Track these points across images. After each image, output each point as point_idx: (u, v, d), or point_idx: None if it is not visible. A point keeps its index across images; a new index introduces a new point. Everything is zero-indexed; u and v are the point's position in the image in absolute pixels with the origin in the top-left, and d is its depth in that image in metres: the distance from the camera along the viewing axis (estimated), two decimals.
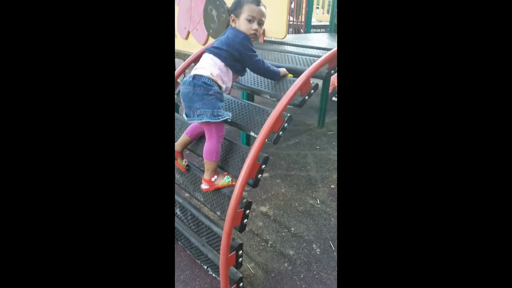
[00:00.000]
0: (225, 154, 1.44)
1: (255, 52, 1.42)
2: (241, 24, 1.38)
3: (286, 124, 1.35)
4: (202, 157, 1.41)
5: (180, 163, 1.55)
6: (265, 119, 1.39)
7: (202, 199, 1.47)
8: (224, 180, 1.40)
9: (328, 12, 4.80)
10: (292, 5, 4.21)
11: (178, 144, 1.56)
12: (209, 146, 1.36)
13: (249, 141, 2.62)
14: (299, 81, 1.35)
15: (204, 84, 1.30)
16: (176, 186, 1.63)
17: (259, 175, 1.29)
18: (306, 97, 1.42)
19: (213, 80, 1.33)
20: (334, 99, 4.24)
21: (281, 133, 1.35)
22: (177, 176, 1.61)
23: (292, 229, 1.93)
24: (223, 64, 1.38)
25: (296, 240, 1.84)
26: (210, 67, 1.35)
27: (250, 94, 2.44)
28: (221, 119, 1.33)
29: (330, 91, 3.87)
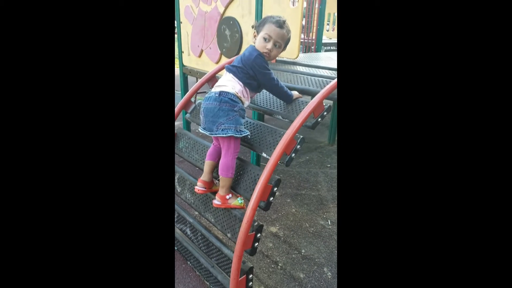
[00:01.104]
0: (237, 174, 1.43)
1: (269, 70, 1.43)
2: (258, 40, 1.42)
3: (298, 146, 1.35)
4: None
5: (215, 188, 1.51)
6: (277, 140, 1.39)
7: (212, 220, 1.46)
8: (237, 201, 1.39)
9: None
10: (303, 22, 4.27)
11: (206, 173, 1.51)
12: (225, 162, 1.37)
13: (259, 160, 2.61)
14: (312, 103, 1.35)
15: (230, 101, 1.35)
16: (186, 205, 1.62)
17: (271, 198, 1.28)
18: (319, 119, 1.41)
19: (238, 97, 1.38)
20: None
21: (293, 155, 1.34)
22: (188, 195, 1.61)
23: (303, 251, 1.89)
24: (241, 82, 1.41)
25: (307, 262, 1.80)
26: (233, 84, 1.40)
27: (261, 114, 2.46)
28: (243, 135, 1.36)
29: None
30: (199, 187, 1.48)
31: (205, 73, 2.16)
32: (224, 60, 2.48)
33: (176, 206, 1.71)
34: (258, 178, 1.26)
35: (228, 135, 1.33)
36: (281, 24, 1.39)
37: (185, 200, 1.63)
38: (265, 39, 1.40)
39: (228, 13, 2.45)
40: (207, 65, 2.79)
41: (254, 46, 1.43)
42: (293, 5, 2.02)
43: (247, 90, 1.44)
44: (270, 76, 1.43)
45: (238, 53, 2.44)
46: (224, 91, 1.36)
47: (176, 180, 1.69)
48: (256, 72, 1.40)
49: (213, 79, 1.93)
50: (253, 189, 1.25)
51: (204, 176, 1.50)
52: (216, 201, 1.41)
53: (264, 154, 1.41)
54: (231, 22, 2.41)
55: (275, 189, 1.29)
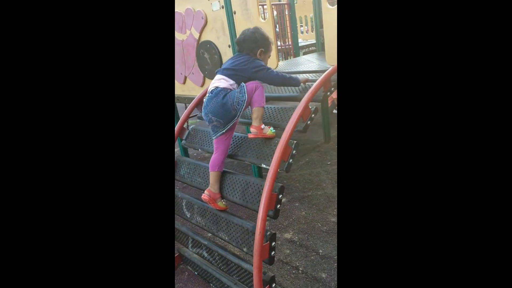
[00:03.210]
0: (242, 190, 1.48)
1: (264, 66, 1.56)
2: (266, 58, 1.61)
3: (294, 151, 1.40)
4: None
5: (220, 205, 1.57)
6: (273, 150, 1.44)
7: (226, 238, 1.49)
8: (270, 130, 1.51)
9: (312, 30, 4.96)
10: (277, 29, 4.37)
11: (213, 185, 1.57)
12: (257, 98, 1.49)
13: (261, 172, 2.65)
14: (299, 108, 1.41)
15: (222, 89, 1.49)
16: (199, 229, 1.65)
17: (278, 206, 1.32)
18: (308, 122, 1.47)
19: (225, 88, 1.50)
20: (335, 111, 4.30)
21: (291, 160, 1.39)
22: (198, 219, 1.65)
23: (320, 251, 1.92)
24: (234, 82, 1.53)
25: (326, 261, 1.82)
26: (221, 83, 1.51)
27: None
28: (244, 85, 1.50)
29: (329, 105, 3.94)
30: (205, 195, 1.55)
31: (192, 98, 2.22)
32: (209, 82, 2.55)
33: (189, 232, 1.74)
34: (262, 189, 1.30)
35: (245, 99, 1.46)
36: (248, 35, 1.57)
37: (196, 224, 1.66)
38: (269, 57, 1.61)
39: (204, 38, 2.53)
40: (193, 90, 2.86)
41: (254, 57, 1.57)
42: (264, 20, 2.10)
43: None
44: (267, 71, 1.55)
45: None
46: (212, 89, 1.51)
47: (184, 206, 1.73)
48: (254, 75, 1.53)
49: (201, 103, 1.99)
50: (259, 201, 1.29)
51: (211, 187, 1.57)
52: (253, 131, 1.50)
53: (263, 165, 1.46)
54: (208, 45, 2.50)
55: (280, 196, 1.33)
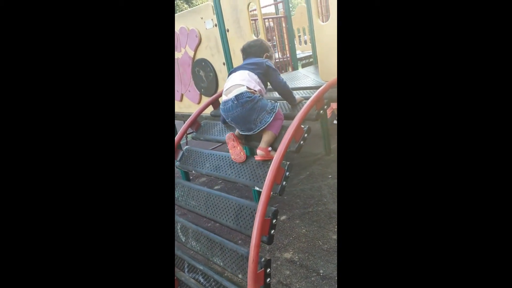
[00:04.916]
0: (235, 213, 1.44)
1: (277, 71, 1.61)
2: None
3: (287, 173, 1.36)
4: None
5: (242, 147, 1.57)
6: (267, 172, 1.40)
7: (221, 264, 1.45)
8: (274, 152, 1.46)
9: (310, 41, 4.96)
10: (275, 42, 4.38)
11: (237, 133, 1.62)
12: (274, 129, 1.49)
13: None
14: (290, 129, 1.38)
15: (248, 98, 1.44)
16: (193, 253, 1.61)
17: (272, 231, 1.28)
18: (302, 142, 1.44)
19: (251, 92, 1.47)
20: (335, 122, 4.26)
21: (284, 183, 1.35)
22: (193, 243, 1.61)
23: (321, 271, 1.86)
24: (257, 76, 1.54)
25: (328, 283, 1.76)
26: (244, 82, 1.49)
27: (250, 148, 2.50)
28: (277, 107, 1.49)
29: (329, 116, 3.90)
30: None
31: (189, 115, 2.21)
32: (206, 99, 2.53)
33: (185, 256, 1.70)
34: (255, 214, 1.26)
35: (268, 122, 1.45)
36: (252, 42, 1.71)
37: (191, 248, 1.62)
38: None
39: (199, 56, 2.54)
40: (190, 107, 2.85)
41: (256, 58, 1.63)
42: (257, 37, 2.10)
43: (262, 84, 1.57)
44: (277, 73, 1.59)
45: (216, 89, 2.50)
46: (238, 94, 1.45)
47: (179, 230, 1.69)
48: (267, 71, 1.56)
49: (195, 123, 1.97)
50: (253, 226, 1.25)
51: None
52: (260, 152, 1.46)
53: (256, 188, 1.42)
54: (203, 63, 2.50)
55: (274, 221, 1.29)
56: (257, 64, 1.57)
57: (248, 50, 1.69)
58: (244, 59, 1.72)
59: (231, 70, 1.66)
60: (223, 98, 1.53)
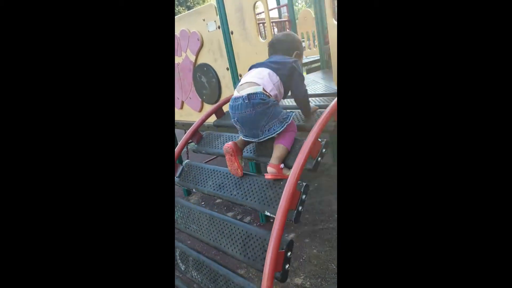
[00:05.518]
0: (243, 243, 1.24)
1: (301, 72, 1.40)
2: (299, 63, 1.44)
3: (304, 196, 1.18)
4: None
5: (240, 162, 1.39)
6: (278, 193, 1.22)
7: None
8: (289, 171, 1.21)
9: (315, 46, 4.79)
10: None
11: (239, 142, 1.42)
12: (286, 143, 1.30)
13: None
14: (307, 144, 1.19)
15: (261, 100, 1.25)
16: (195, 285, 1.42)
17: (286, 266, 1.09)
18: (319, 159, 1.25)
19: (266, 94, 1.27)
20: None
21: (300, 208, 1.17)
22: (193, 273, 1.41)
23: None
24: (279, 78, 1.35)
25: None
26: (261, 82, 1.31)
27: (258, 163, 2.33)
28: (290, 118, 1.30)
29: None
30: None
31: (190, 124, 2.02)
32: (208, 107, 2.35)
33: (184, 287, 1.50)
34: (267, 244, 1.08)
35: (277, 132, 1.27)
36: (283, 36, 1.50)
37: (191, 279, 1.42)
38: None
39: (200, 60, 2.36)
40: (191, 115, 2.67)
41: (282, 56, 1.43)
42: (264, 40, 1.92)
43: (282, 88, 1.38)
44: (303, 82, 1.39)
45: (219, 97, 2.32)
46: (251, 93, 1.26)
47: (177, 257, 1.50)
48: (291, 73, 1.35)
49: (196, 134, 1.78)
50: (263, 258, 1.06)
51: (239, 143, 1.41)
52: (270, 170, 1.27)
53: (267, 213, 1.23)
54: (205, 68, 2.32)
55: (289, 253, 1.09)
56: (283, 64, 1.36)
57: (277, 46, 1.47)
58: (270, 54, 1.50)
59: (251, 65, 1.45)
60: (234, 94, 1.33)
